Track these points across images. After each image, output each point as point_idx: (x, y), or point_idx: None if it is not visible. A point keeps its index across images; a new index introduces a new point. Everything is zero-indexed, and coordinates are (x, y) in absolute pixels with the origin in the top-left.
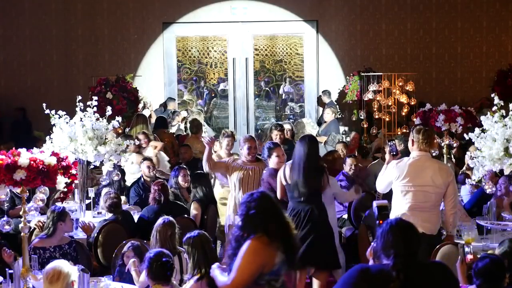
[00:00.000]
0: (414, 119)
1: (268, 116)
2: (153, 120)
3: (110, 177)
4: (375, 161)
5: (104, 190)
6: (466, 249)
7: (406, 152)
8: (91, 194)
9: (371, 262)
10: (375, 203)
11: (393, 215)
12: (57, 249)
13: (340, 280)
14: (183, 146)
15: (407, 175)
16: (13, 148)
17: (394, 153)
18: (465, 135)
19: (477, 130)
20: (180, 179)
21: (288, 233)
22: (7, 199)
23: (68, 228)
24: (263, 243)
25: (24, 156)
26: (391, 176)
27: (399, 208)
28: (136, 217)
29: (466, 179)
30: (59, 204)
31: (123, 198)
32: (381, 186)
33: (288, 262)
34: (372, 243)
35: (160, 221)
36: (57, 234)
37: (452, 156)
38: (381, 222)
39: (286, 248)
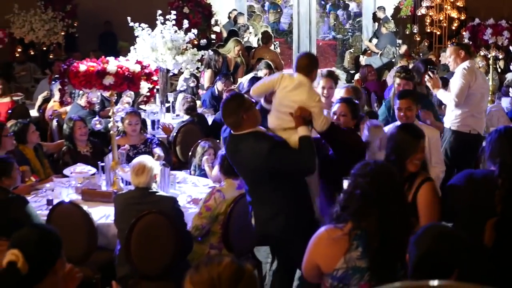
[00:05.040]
0: (464, 33)
1: (329, 30)
2: (224, 34)
3: (187, 84)
4: None
5: (180, 95)
6: None
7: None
8: (171, 99)
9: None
10: None
11: (471, 122)
12: (131, 148)
13: (450, 183)
14: (257, 61)
15: (479, 78)
16: (102, 57)
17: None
18: (510, 47)
19: None
20: None
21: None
22: (98, 101)
23: (129, 130)
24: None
25: (112, 64)
26: (469, 81)
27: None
28: (209, 119)
29: (510, 88)
30: (142, 106)
31: (198, 102)
32: (461, 96)
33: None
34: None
35: None
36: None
37: (498, 67)
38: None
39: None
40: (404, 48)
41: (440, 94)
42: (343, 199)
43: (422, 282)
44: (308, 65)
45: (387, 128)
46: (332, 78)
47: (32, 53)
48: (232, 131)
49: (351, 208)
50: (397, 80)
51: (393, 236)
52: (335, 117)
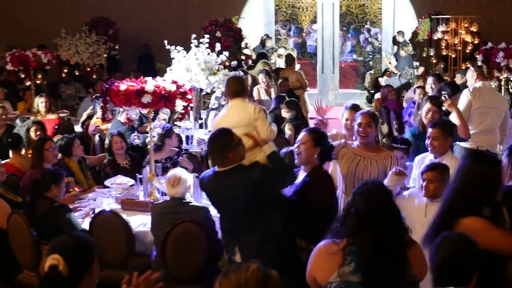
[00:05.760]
0: (477, 56)
1: (351, 53)
2: (253, 56)
3: (218, 102)
4: None
5: (212, 113)
6: None
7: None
8: (203, 116)
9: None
10: None
11: (478, 138)
12: (168, 160)
13: None
14: (282, 80)
15: (485, 97)
16: (141, 77)
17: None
18: None
19: None
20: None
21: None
22: (137, 118)
23: (174, 143)
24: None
25: (150, 84)
26: (470, 100)
27: (475, 130)
28: None
29: None
30: (177, 123)
31: None
32: (464, 115)
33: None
34: None
35: None
36: (165, 148)
37: (510, 87)
38: None
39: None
40: (421, 69)
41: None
42: (341, 216)
43: None
44: (240, 90)
45: (418, 158)
46: (356, 111)
47: (77, 73)
48: (216, 168)
49: (346, 224)
50: (428, 105)
51: (386, 252)
52: (297, 144)
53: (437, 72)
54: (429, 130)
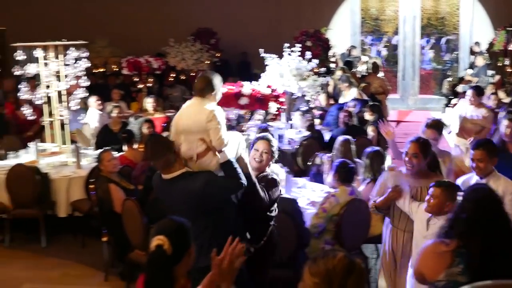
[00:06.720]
0: None
1: (430, 61)
2: (340, 63)
3: (305, 105)
4: None
5: (296, 114)
6: None
7: None
8: (294, 117)
9: None
10: None
11: None
12: None
13: None
14: (364, 85)
15: None
16: (239, 82)
17: None
18: None
19: None
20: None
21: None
22: (235, 118)
23: None
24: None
25: (247, 87)
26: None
27: None
28: (326, 135)
29: None
30: (271, 123)
31: (316, 121)
32: None
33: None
34: None
35: (340, 138)
36: None
37: None
38: None
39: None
40: (497, 77)
41: None
42: (451, 219)
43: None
44: (202, 89)
45: (463, 179)
46: (435, 128)
47: (182, 78)
48: (162, 175)
49: (457, 229)
50: (505, 122)
51: (495, 256)
52: (257, 153)
53: (477, 84)
54: (472, 152)
